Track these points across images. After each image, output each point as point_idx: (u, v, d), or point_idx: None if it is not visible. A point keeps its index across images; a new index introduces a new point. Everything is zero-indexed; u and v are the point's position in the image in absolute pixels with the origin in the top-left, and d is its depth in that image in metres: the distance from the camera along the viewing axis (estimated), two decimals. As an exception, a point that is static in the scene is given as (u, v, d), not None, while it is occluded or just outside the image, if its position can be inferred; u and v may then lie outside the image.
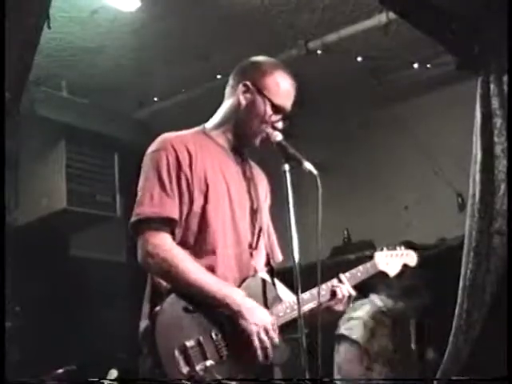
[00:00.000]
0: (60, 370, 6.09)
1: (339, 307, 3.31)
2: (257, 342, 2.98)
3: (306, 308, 3.13)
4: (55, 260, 7.16)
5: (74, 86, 6.88)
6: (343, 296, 3.28)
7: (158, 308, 2.96)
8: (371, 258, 3.64)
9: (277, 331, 3.05)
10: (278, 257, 3.45)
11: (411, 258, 3.76)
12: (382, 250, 3.66)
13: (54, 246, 7.27)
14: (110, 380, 5.55)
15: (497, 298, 5.75)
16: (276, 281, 3.36)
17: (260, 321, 3.00)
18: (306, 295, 3.19)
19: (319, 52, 6.24)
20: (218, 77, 6.41)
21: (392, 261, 3.66)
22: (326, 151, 6.97)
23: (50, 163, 7.15)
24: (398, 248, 3.71)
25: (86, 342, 6.93)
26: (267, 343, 2.99)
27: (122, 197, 7.26)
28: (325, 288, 3.28)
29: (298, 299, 2.94)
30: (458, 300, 5.82)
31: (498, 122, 5.82)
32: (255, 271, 3.21)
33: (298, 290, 2.97)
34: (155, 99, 7.21)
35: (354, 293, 3.35)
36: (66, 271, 7.22)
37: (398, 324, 5.90)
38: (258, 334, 2.98)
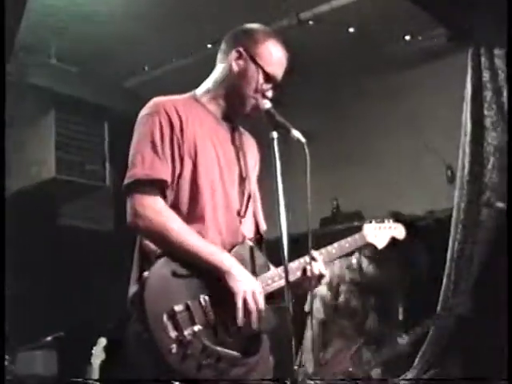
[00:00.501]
0: (48, 338, 6.13)
1: (308, 285, 3.22)
2: (242, 305, 2.99)
3: (293, 277, 3.14)
4: (44, 228, 7.16)
5: (63, 54, 6.83)
6: (313, 275, 3.19)
7: (146, 273, 2.95)
8: (360, 228, 3.63)
9: (263, 297, 3.06)
10: (262, 226, 3.45)
11: (399, 231, 3.75)
12: (370, 222, 3.65)
13: (43, 215, 7.26)
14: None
15: (484, 270, 5.79)
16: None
17: (247, 285, 3.01)
18: (294, 264, 3.21)
19: (311, 23, 6.22)
20: (209, 46, 6.39)
21: (380, 233, 3.66)
22: (317, 121, 6.97)
23: (40, 132, 7.12)
24: (386, 221, 3.70)
25: (74, 311, 6.96)
26: (253, 307, 3.00)
27: (112, 166, 7.26)
28: (303, 262, 3.25)
29: (285, 268, 2.94)
30: (446, 271, 5.86)
31: (489, 94, 5.83)
32: (244, 238, 3.22)
33: (285, 260, 2.96)
34: (146, 68, 7.18)
35: (325, 272, 3.27)
36: (55, 240, 7.22)
37: (376, 289, 5.89)
38: (245, 297, 2.99)
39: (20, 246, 6.39)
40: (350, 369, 5.55)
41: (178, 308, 2.92)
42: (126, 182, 3.08)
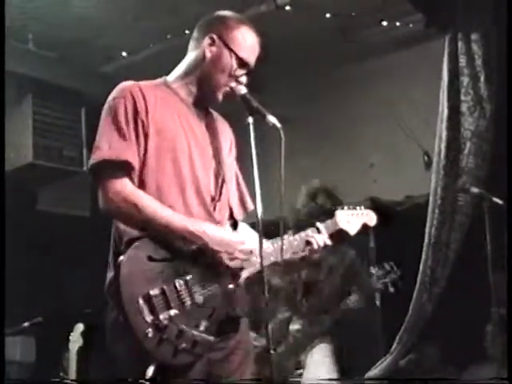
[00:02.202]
0: (26, 323, 6.12)
1: (313, 256, 3.39)
2: (229, 261, 3.06)
3: (272, 259, 3.21)
4: (21, 214, 7.13)
5: (40, 40, 6.80)
6: (319, 246, 3.35)
7: (121, 257, 2.96)
8: (333, 215, 3.68)
9: (247, 251, 3.11)
10: (250, 206, 3.46)
11: (370, 218, 3.80)
12: (342, 208, 3.69)
13: (20, 200, 7.24)
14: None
15: (461, 255, 5.83)
16: (245, 229, 3.40)
17: (229, 243, 3.08)
18: (269, 249, 3.23)
19: (288, 8, 6.21)
20: (187, 32, 6.37)
21: (352, 220, 3.70)
22: (292, 107, 6.96)
23: (17, 117, 7.09)
24: (358, 208, 3.75)
25: (52, 296, 6.96)
26: (239, 255, 3.08)
27: (89, 151, 7.16)
28: (298, 238, 3.34)
29: (260, 253, 2.95)
30: (423, 257, 5.89)
31: (465, 80, 5.86)
32: (218, 223, 3.23)
33: (261, 244, 2.98)
34: (123, 54, 7.15)
35: (329, 242, 3.42)
36: (32, 225, 7.20)
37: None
38: (229, 254, 3.06)
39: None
40: None
41: (154, 292, 2.92)
42: (91, 162, 3.09)
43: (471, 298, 5.41)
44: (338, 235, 3.63)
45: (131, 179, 3.08)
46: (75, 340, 5.65)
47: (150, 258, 2.97)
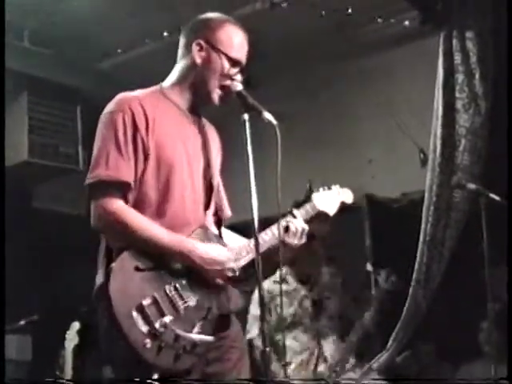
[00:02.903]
0: (22, 322, 6.12)
1: (293, 240, 3.36)
2: (219, 279, 3.07)
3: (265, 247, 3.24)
4: (17, 212, 7.12)
5: (36, 36, 6.78)
6: (296, 230, 3.34)
7: (111, 266, 2.96)
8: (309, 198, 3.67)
9: (236, 264, 3.12)
10: (227, 213, 3.48)
11: (348, 195, 3.82)
12: (318, 190, 3.68)
13: (15, 198, 7.22)
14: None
15: (456, 253, 5.83)
16: (226, 232, 3.43)
17: (218, 261, 3.08)
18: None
19: (283, 5, 6.20)
20: (182, 32, 6.36)
21: (330, 200, 3.70)
22: (290, 105, 6.95)
23: (12, 114, 7.06)
24: (333, 187, 3.75)
25: (48, 294, 6.95)
26: (230, 274, 3.08)
27: (85, 149, 7.21)
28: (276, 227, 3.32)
29: (256, 253, 2.96)
30: (418, 254, 5.89)
31: (460, 77, 5.86)
32: (209, 232, 3.26)
33: (257, 242, 2.98)
34: (119, 50, 7.13)
35: (306, 227, 3.40)
36: (28, 223, 7.19)
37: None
38: (216, 269, 3.07)
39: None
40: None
41: (146, 302, 2.93)
42: (88, 181, 3.10)
43: (467, 294, 5.42)
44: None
45: (127, 197, 3.08)
46: (71, 338, 5.65)
47: (138, 269, 2.97)
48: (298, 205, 3.57)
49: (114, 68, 7.20)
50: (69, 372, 5.61)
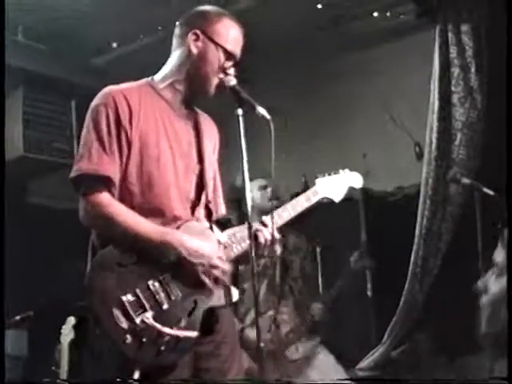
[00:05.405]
0: (17, 317, 6.10)
1: (262, 251, 3.25)
2: (206, 273, 3.02)
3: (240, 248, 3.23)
4: (12, 207, 7.10)
5: (31, 31, 6.76)
6: (265, 240, 3.21)
7: (92, 262, 2.96)
8: (332, 203, 3.55)
9: (225, 260, 3.09)
10: (222, 210, 3.46)
11: (357, 179, 3.63)
12: (323, 176, 3.54)
13: (10, 193, 7.21)
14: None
15: (452, 246, 5.84)
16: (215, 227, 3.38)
17: (205, 253, 3.05)
18: (243, 233, 3.21)
19: (278, -1, 6.19)
20: (177, 23, 6.34)
21: (335, 185, 3.55)
22: (283, 99, 6.94)
23: (7, 109, 7.03)
24: (341, 171, 3.60)
25: (43, 289, 6.94)
26: (216, 272, 3.04)
27: (79, 144, 7.20)
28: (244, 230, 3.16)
29: (250, 248, 2.95)
30: (414, 247, 5.90)
31: (456, 71, 5.86)
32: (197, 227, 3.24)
33: (251, 236, 2.97)
34: (113, 45, 7.12)
35: (277, 235, 3.26)
36: (24, 218, 7.18)
37: None
38: (204, 264, 3.02)
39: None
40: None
41: (126, 298, 2.92)
42: (72, 174, 3.10)
43: (462, 288, 5.41)
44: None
45: (111, 190, 3.07)
46: (67, 333, 5.63)
47: (120, 264, 2.96)
48: (298, 194, 3.49)
49: (108, 63, 7.19)
50: (65, 367, 5.60)
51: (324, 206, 3.62)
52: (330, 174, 3.56)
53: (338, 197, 3.56)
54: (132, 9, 6.34)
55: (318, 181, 3.54)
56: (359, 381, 5.40)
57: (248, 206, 2.96)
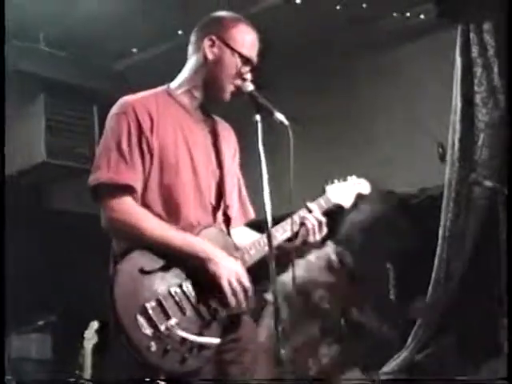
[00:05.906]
0: (41, 322, 6.14)
1: (311, 238, 3.26)
2: (228, 287, 2.99)
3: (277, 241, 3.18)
4: (35, 212, 7.16)
5: (52, 39, 6.80)
6: (313, 225, 3.24)
7: (115, 269, 2.95)
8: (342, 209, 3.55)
9: (247, 278, 3.07)
10: (251, 214, 3.44)
11: (364, 186, 3.65)
12: (332, 183, 3.54)
13: (33, 199, 7.27)
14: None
15: (476, 249, 5.79)
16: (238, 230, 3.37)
17: (229, 267, 3.02)
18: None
19: (298, 1, 6.17)
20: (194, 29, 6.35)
21: (345, 192, 3.55)
22: (306, 103, 6.93)
23: (30, 117, 7.12)
24: (349, 178, 3.60)
25: (67, 294, 6.97)
26: (239, 288, 3.01)
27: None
28: (289, 222, 3.20)
29: (270, 255, 2.93)
30: (438, 250, 5.86)
31: (478, 71, 5.82)
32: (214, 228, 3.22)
33: (270, 244, 2.95)
34: (134, 50, 7.14)
35: (323, 219, 3.29)
36: (46, 223, 7.22)
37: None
38: (229, 279, 2.99)
39: (11, 231, 6.39)
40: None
41: (150, 305, 2.89)
42: (90, 183, 3.08)
43: (486, 292, 5.37)
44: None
45: (134, 197, 3.05)
46: (90, 338, 5.66)
47: (143, 271, 2.94)
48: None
49: (129, 68, 7.23)
50: (88, 371, 5.63)
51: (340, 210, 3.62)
52: (338, 181, 3.56)
53: (347, 203, 3.58)
54: (152, 14, 6.36)
55: (327, 188, 3.53)
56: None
57: (267, 210, 2.94)
